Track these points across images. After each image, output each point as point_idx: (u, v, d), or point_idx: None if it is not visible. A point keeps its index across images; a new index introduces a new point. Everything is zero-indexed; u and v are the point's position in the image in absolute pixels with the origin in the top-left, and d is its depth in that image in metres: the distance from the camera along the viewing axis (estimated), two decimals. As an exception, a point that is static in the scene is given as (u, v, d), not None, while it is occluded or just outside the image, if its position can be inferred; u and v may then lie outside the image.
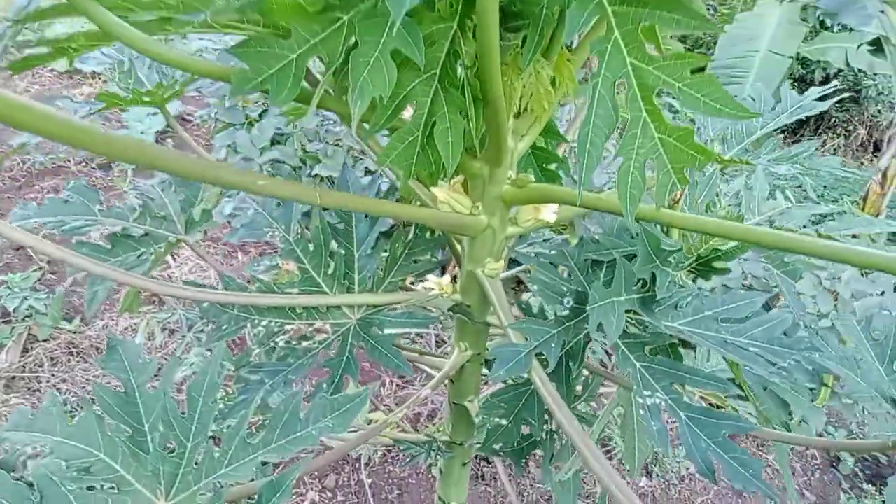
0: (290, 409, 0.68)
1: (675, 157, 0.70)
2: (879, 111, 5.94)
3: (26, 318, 2.81)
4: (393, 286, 1.16)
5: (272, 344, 1.08)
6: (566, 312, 0.97)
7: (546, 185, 0.96)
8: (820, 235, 1.33)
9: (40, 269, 3.09)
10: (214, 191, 1.29)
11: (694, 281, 1.16)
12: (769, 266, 1.35)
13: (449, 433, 1.41)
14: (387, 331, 1.15)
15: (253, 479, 0.75)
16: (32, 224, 1.29)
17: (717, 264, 1.08)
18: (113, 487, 0.73)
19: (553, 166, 1.17)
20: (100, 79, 5.71)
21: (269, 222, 1.19)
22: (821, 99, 1.52)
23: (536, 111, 0.89)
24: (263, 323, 1.10)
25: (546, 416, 1.10)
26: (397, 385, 2.93)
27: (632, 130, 0.71)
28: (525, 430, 1.14)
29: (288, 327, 1.10)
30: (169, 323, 2.94)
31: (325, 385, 1.02)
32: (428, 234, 1.19)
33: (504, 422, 1.04)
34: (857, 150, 5.93)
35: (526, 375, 0.91)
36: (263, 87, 0.68)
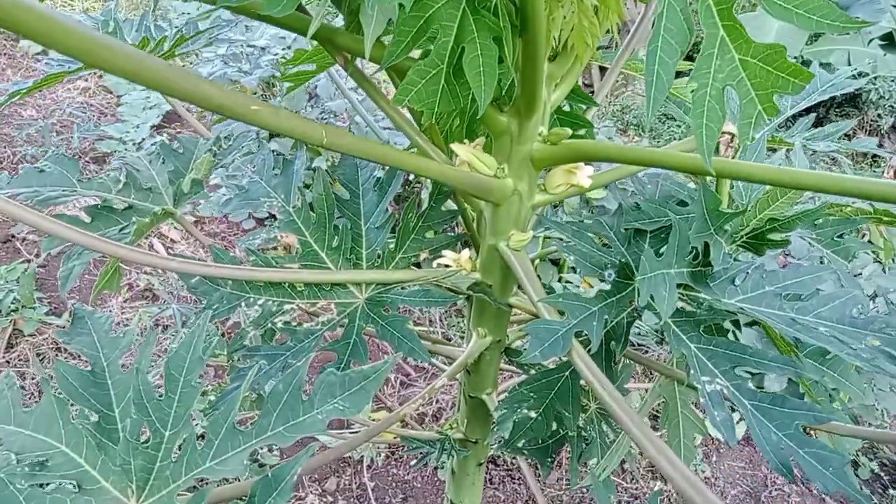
0: (291, 389, 0.55)
1: (762, 81, 0.58)
2: (880, 115, 5.83)
3: (11, 312, 2.68)
4: (405, 262, 1.03)
5: (270, 325, 0.96)
6: (608, 287, 0.84)
7: (587, 141, 0.83)
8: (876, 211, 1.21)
9: (27, 261, 2.96)
10: (204, 158, 1.16)
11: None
12: (817, 244, 1.22)
13: (463, 430, 1.28)
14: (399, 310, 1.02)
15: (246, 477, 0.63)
16: (5, 195, 1.16)
17: (774, 236, 0.96)
18: (75, 485, 0.60)
19: (582, 132, 1.05)
20: (95, 73, 5.59)
21: (266, 191, 1.06)
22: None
23: (577, 49, 0.77)
24: (260, 302, 0.97)
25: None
26: (401, 382, 2.80)
27: (707, 51, 0.59)
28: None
29: (287, 307, 0.97)
30: (162, 318, 2.81)
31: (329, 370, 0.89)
32: (443, 207, 1.07)
33: (533, 414, 0.91)
34: (856, 154, 5.81)
35: (562, 358, 0.78)
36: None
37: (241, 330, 0.95)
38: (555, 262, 3.31)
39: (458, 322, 3.17)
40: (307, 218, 1.02)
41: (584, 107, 1.23)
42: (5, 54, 5.62)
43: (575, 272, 2.99)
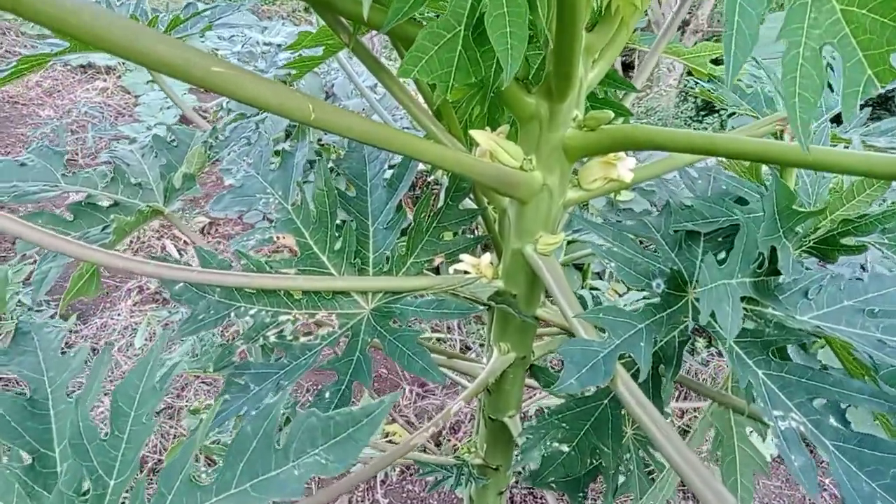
0: (262, 433, 0.43)
1: (872, 37, 0.44)
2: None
3: (15, 316, 2.61)
4: (417, 268, 0.91)
5: (262, 339, 0.84)
6: (656, 300, 0.70)
7: (631, 126, 0.70)
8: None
9: (35, 262, 2.90)
10: (196, 151, 1.05)
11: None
12: (889, 253, 1.07)
13: (483, 455, 1.15)
14: (410, 324, 0.90)
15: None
16: (-19, 192, 1.06)
17: (847, 240, 0.81)
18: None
19: (620, 121, 0.92)
20: (114, 73, 5.57)
21: (263, 186, 0.95)
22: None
23: (623, 11, 0.64)
24: (252, 312, 0.85)
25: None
26: (417, 394, 2.67)
27: (798, 1, 0.45)
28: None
29: (283, 318, 0.85)
30: (171, 322, 2.72)
31: (327, 394, 0.77)
32: (461, 205, 0.94)
33: (565, 448, 0.78)
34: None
35: (603, 385, 0.65)
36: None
37: (228, 343, 0.83)
38: (578, 267, 3.16)
39: (479, 329, 3.03)
40: (307, 217, 0.90)
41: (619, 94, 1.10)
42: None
43: (601, 278, 2.84)
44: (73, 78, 5.50)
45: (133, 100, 5.27)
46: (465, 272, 0.90)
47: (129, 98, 5.30)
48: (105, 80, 5.50)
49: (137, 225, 0.98)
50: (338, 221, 0.92)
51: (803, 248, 0.85)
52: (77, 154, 4.17)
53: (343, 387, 0.79)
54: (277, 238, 0.88)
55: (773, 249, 0.72)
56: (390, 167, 0.95)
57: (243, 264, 0.85)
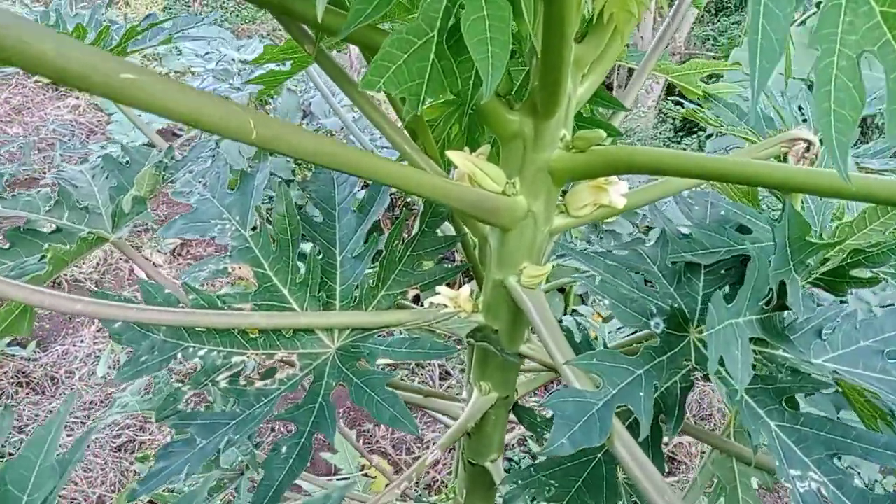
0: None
1: (921, 45, 0.37)
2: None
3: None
4: (388, 301, 0.82)
5: (212, 384, 0.74)
6: (656, 342, 0.63)
7: (627, 147, 0.63)
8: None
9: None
10: (146, 172, 0.96)
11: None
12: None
13: (462, 502, 1.06)
14: (379, 363, 0.82)
15: None
16: None
17: (858, 272, 0.75)
18: None
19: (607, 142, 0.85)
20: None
21: (219, 211, 0.86)
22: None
23: (617, 20, 0.57)
24: (201, 353, 0.76)
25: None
26: (395, 423, 2.56)
27: (832, 1, 0.39)
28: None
29: (236, 359, 0.76)
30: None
31: (284, 448, 0.68)
32: (438, 231, 0.86)
33: (554, 506, 0.69)
34: None
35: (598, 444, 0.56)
36: None
37: (173, 390, 0.74)
38: (560, 290, 3.09)
39: (460, 353, 2.94)
40: (266, 245, 0.81)
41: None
42: (-5, 71, 5.47)
43: (584, 302, 2.77)
44: (44, 95, 5.37)
45: (106, 118, 5.15)
46: (442, 306, 0.82)
47: (101, 116, 5.18)
48: (77, 98, 5.37)
49: (80, 254, 0.88)
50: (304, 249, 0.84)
51: (809, 280, 0.78)
52: (45, 173, 4.03)
53: (302, 439, 0.69)
54: (233, 269, 0.79)
55: (782, 284, 0.65)
56: (363, 187, 0.87)
57: (192, 300, 0.76)
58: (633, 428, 0.63)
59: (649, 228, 3.30)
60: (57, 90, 5.50)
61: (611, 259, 0.69)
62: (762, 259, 0.59)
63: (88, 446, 2.04)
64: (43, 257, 0.90)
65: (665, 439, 0.64)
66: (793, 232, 0.60)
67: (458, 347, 0.75)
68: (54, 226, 0.96)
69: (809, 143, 0.72)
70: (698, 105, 0.94)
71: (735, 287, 0.69)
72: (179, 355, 0.76)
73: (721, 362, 0.56)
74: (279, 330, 0.76)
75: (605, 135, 0.63)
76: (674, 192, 0.77)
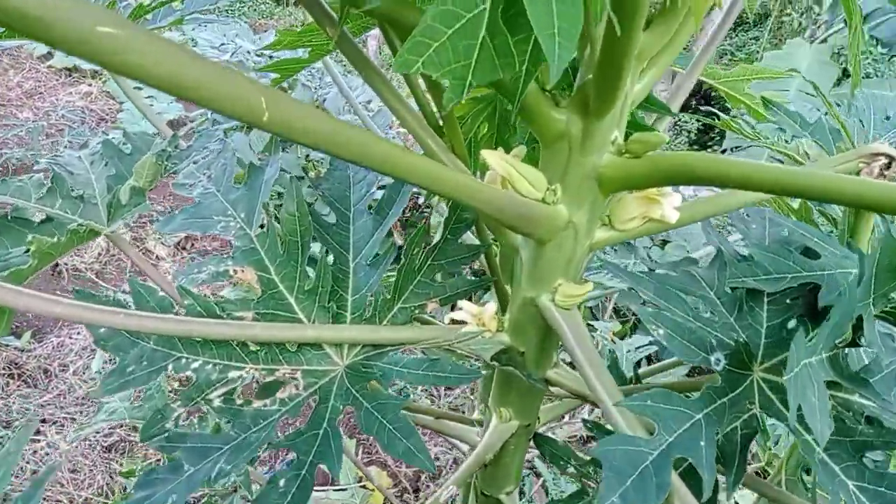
0: None
1: None
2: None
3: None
4: (405, 315, 0.74)
5: (204, 402, 0.66)
6: (717, 382, 0.54)
7: (689, 155, 0.54)
8: None
9: None
10: (147, 161, 0.88)
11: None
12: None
13: (473, 534, 0.97)
14: (394, 385, 0.73)
15: None
16: None
17: (938, 307, 0.66)
18: None
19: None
20: (99, 78, 5.40)
21: (223, 207, 0.78)
22: None
23: (693, 4, 0.48)
24: (194, 365, 0.68)
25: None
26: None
27: None
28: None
29: (233, 374, 0.68)
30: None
31: (281, 482, 0.60)
32: (459, 240, 0.78)
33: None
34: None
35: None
36: None
37: (162, 406, 0.66)
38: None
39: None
40: (273, 247, 0.73)
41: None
42: (9, 54, 5.45)
43: (596, 318, 2.67)
44: (57, 80, 5.32)
45: (117, 105, 5.10)
46: (463, 322, 0.74)
47: (113, 104, 5.13)
48: (90, 85, 5.32)
49: (69, 247, 0.81)
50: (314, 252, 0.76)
51: (877, 313, 0.70)
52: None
53: (303, 471, 0.61)
54: (235, 272, 0.71)
55: (858, 318, 0.57)
56: (380, 188, 0.79)
57: (187, 305, 0.68)
58: (686, 476, 0.55)
59: (665, 242, 3.21)
60: (70, 76, 5.46)
61: (662, 281, 0.60)
62: (852, 292, 0.50)
63: (77, 445, 1.96)
64: (28, 250, 0.82)
65: (722, 496, 0.55)
66: (884, 259, 0.52)
67: (479, 375, 0.67)
68: (45, 215, 0.89)
69: (892, 158, 0.63)
70: (767, 111, 0.86)
71: (802, 319, 0.61)
72: (170, 367, 0.68)
73: (800, 412, 0.47)
74: (282, 343, 0.68)
75: (666, 138, 0.55)
76: (731, 207, 0.68)
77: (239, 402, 0.66)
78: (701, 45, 0.90)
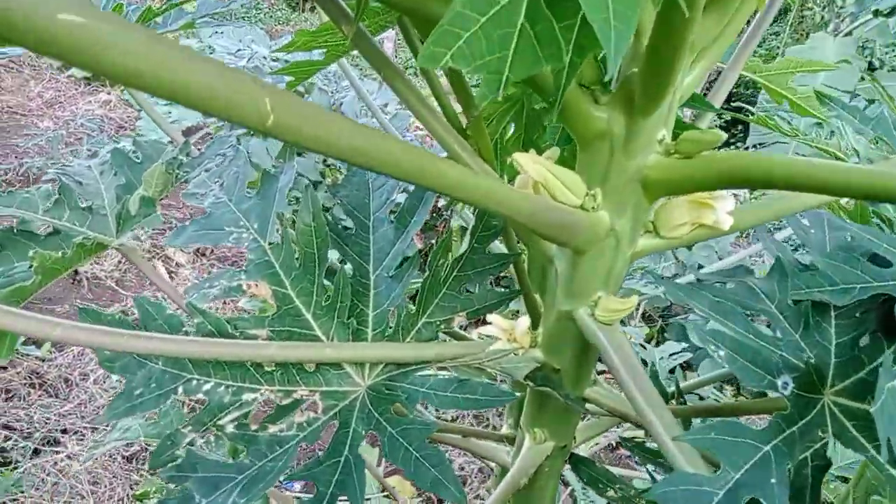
0: None
1: None
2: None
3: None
4: (430, 331, 0.69)
5: (217, 426, 0.62)
6: (786, 409, 0.48)
7: (745, 155, 0.49)
8: None
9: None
10: (156, 169, 0.84)
11: None
12: None
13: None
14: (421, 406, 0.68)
15: None
16: None
17: None
18: None
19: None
20: (118, 86, 5.43)
21: (235, 217, 0.73)
22: None
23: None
24: (206, 387, 0.64)
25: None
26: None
27: None
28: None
29: (247, 396, 0.64)
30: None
31: (299, 517, 0.54)
32: (487, 249, 0.73)
33: None
34: None
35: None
36: None
37: (170, 433, 0.61)
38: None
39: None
40: (289, 259, 0.69)
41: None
42: (30, 65, 5.51)
43: (624, 323, 2.60)
44: (76, 90, 5.37)
45: (136, 113, 5.12)
46: (494, 338, 0.68)
47: (131, 112, 5.15)
48: (109, 93, 5.36)
49: (76, 262, 0.77)
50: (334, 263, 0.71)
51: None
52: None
53: (325, 501, 0.56)
54: (248, 286, 0.66)
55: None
56: (403, 192, 0.74)
57: (197, 323, 0.63)
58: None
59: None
60: (89, 84, 5.50)
61: (717, 294, 0.55)
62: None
63: (97, 458, 1.94)
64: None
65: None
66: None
67: (514, 398, 0.62)
68: (52, 227, 0.85)
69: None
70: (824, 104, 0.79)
71: (875, 336, 0.55)
72: (181, 389, 0.64)
73: (890, 448, 0.41)
74: (300, 363, 0.64)
75: (723, 136, 0.49)
76: (788, 211, 0.62)
77: (254, 427, 0.61)
78: (744, 36, 0.84)
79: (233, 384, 0.64)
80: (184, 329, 0.65)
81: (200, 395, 0.64)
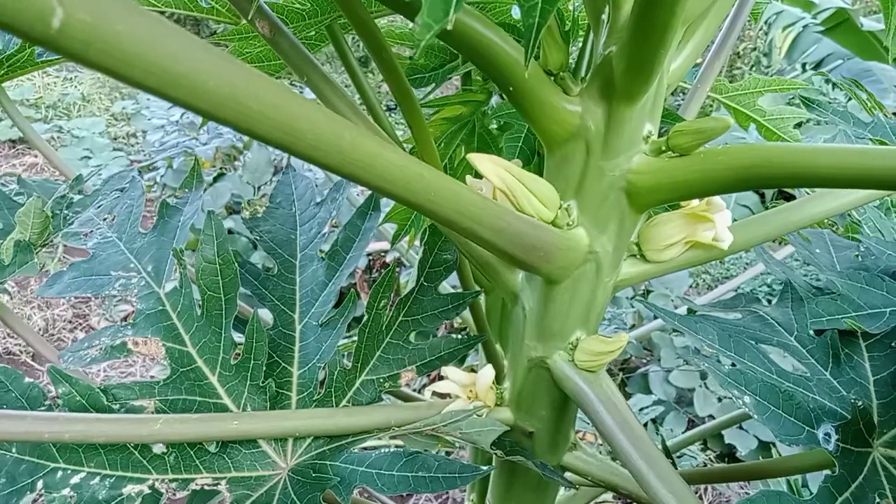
0: None
1: None
2: None
3: None
4: (371, 392, 0.56)
5: (83, 534, 0.46)
6: (834, 468, 0.37)
7: (771, 144, 0.39)
8: None
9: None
10: (33, 206, 0.69)
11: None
12: None
13: None
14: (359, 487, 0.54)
15: None
16: None
17: None
18: None
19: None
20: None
21: (125, 260, 0.59)
22: None
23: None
24: (74, 480, 0.48)
25: None
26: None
27: None
28: None
29: (131, 489, 0.48)
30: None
31: None
32: (440, 287, 0.60)
33: None
34: None
35: None
36: None
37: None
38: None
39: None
40: (189, 309, 0.54)
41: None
42: None
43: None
44: (1, 151, 5.08)
45: (65, 178, 4.86)
46: (453, 397, 0.55)
47: (59, 177, 4.89)
48: (36, 157, 5.09)
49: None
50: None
51: None
52: None
53: None
54: (136, 344, 0.52)
55: None
56: (333, 227, 0.61)
57: (62, 394, 0.48)
58: None
59: (647, 292, 3.06)
60: (14, 147, 5.22)
61: (727, 330, 0.44)
62: None
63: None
64: None
65: None
66: None
67: (480, 474, 0.48)
68: None
69: None
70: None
71: (917, 369, 0.44)
72: (40, 483, 0.48)
73: None
74: (200, 443, 0.49)
75: (731, 121, 0.39)
76: (793, 227, 0.53)
77: (133, 534, 0.45)
78: (712, 50, 0.77)
79: (110, 474, 0.48)
80: (46, 403, 0.50)
81: (67, 491, 0.48)
